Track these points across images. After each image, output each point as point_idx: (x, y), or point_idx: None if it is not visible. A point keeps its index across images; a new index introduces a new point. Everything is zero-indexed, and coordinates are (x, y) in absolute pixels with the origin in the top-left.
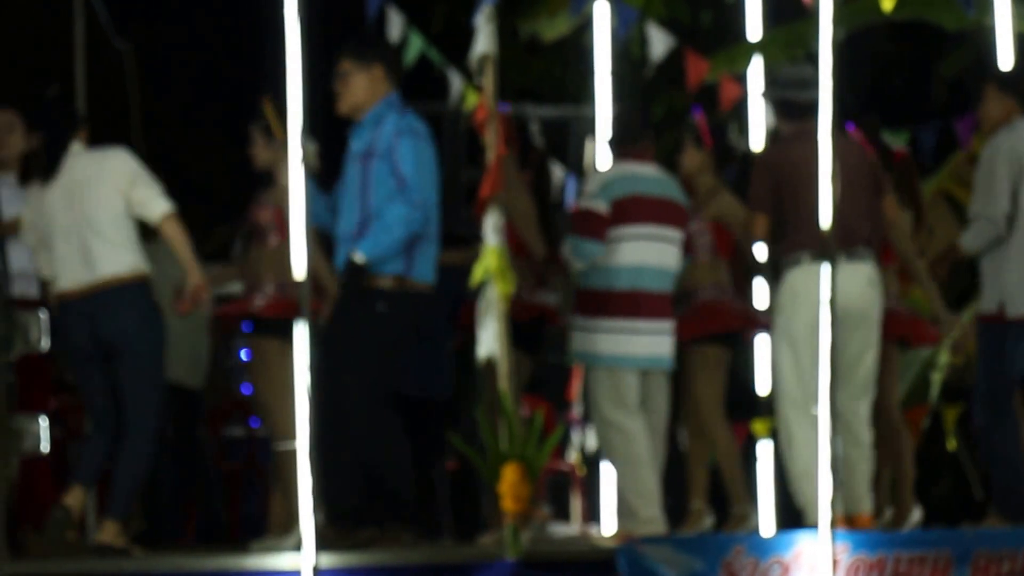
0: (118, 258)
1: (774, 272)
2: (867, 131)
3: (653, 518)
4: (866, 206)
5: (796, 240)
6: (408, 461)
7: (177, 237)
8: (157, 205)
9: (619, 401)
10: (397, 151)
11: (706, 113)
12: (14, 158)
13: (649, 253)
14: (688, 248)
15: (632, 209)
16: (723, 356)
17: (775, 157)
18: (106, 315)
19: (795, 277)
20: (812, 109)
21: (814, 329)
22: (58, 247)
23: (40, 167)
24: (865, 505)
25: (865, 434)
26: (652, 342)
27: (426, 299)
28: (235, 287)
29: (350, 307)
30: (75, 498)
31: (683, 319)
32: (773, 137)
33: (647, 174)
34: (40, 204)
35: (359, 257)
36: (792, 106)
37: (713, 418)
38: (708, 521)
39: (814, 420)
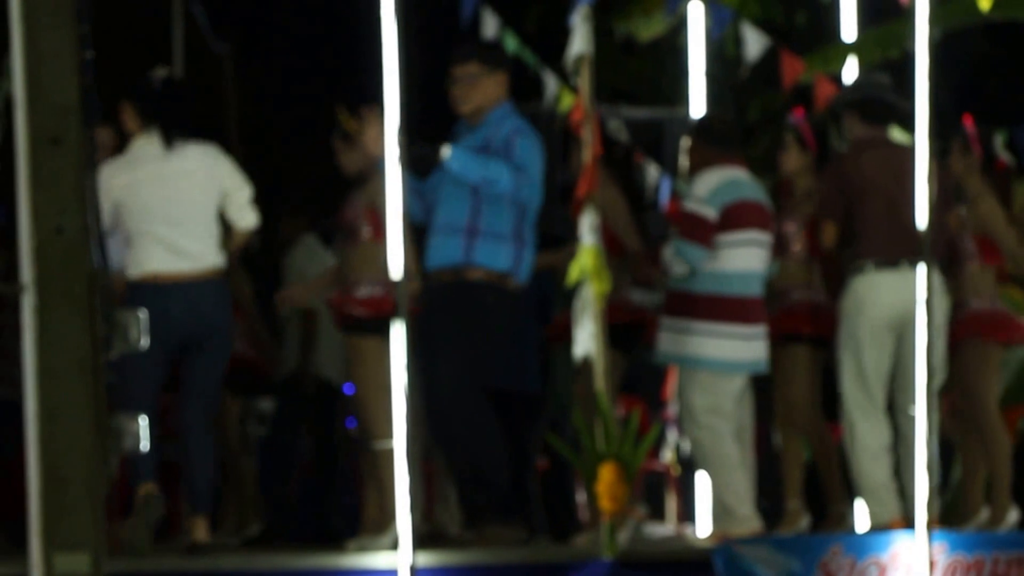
0: (210, 252)
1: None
2: (981, 135)
3: (749, 516)
4: (931, 216)
5: (861, 248)
6: (505, 458)
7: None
8: (249, 216)
9: (717, 405)
10: (514, 147)
11: (807, 115)
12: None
13: (753, 259)
14: (783, 248)
15: (740, 215)
16: (818, 356)
17: (845, 164)
18: (197, 306)
19: (859, 284)
20: (888, 115)
21: (876, 336)
22: (145, 233)
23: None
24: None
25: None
26: (754, 347)
27: (522, 299)
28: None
29: (451, 301)
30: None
31: (777, 318)
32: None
33: (746, 179)
34: (125, 186)
35: (446, 152)
36: (869, 111)
37: (810, 418)
38: (804, 521)
39: (877, 425)
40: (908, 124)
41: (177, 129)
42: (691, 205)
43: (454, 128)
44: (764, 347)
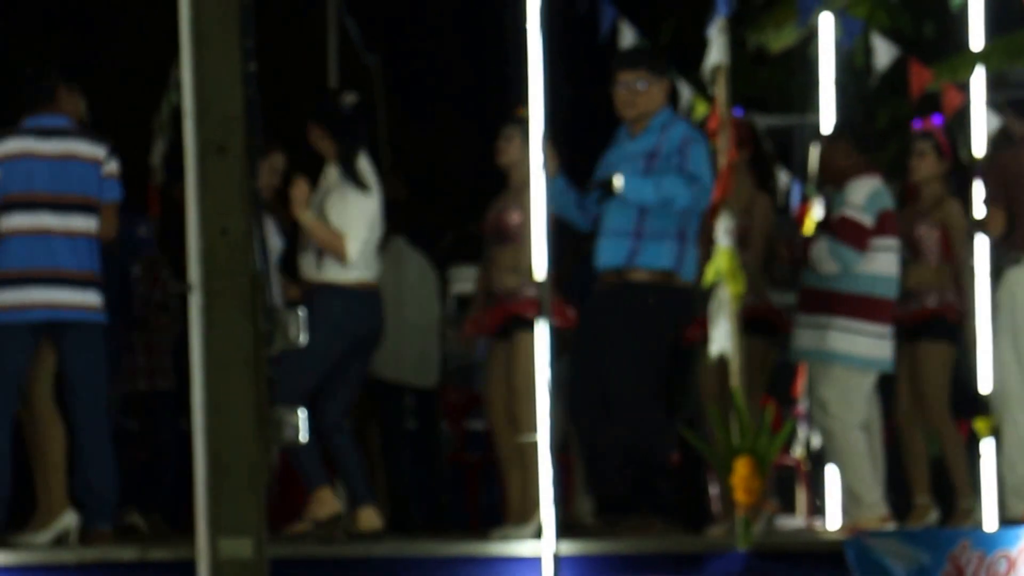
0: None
1: (996, 271)
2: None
3: (877, 503)
4: None
5: (1018, 239)
6: (669, 455)
7: None
8: (349, 246)
9: (848, 400)
10: (688, 155)
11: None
12: (271, 193)
13: (893, 264)
14: (917, 251)
15: (888, 222)
16: (951, 353)
17: (1008, 156)
18: (375, 311)
19: (1015, 275)
20: None
21: None
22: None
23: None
24: None
25: None
26: (885, 346)
27: (689, 296)
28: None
29: (616, 304)
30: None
31: (911, 317)
32: (1004, 137)
33: (886, 188)
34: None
35: (618, 181)
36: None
37: (941, 414)
38: (933, 515)
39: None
40: None
41: (354, 157)
42: (849, 211)
43: (614, 135)
44: (892, 347)
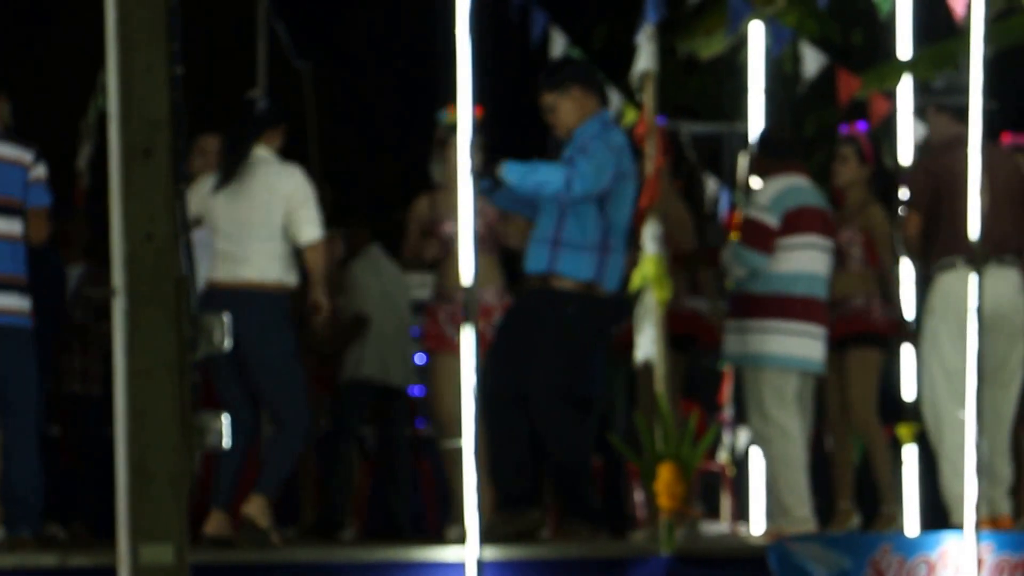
0: (265, 266)
1: (924, 276)
2: None
3: (806, 518)
4: (1017, 215)
5: (951, 244)
6: (590, 459)
7: (315, 265)
8: (309, 231)
9: (784, 402)
10: (586, 150)
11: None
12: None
13: (816, 262)
14: (842, 257)
15: (802, 220)
16: (878, 360)
17: (937, 160)
18: (240, 316)
19: (948, 281)
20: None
21: (964, 333)
22: (217, 243)
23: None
24: (1005, 506)
25: (1004, 437)
26: (817, 346)
27: (611, 306)
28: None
29: (535, 308)
30: (219, 522)
31: (835, 324)
32: (925, 145)
33: (808, 186)
34: (208, 197)
35: (501, 172)
36: (959, 110)
37: (868, 420)
38: (855, 521)
39: (961, 423)
40: (992, 125)
41: (242, 152)
42: (753, 212)
43: (544, 142)
44: (824, 348)
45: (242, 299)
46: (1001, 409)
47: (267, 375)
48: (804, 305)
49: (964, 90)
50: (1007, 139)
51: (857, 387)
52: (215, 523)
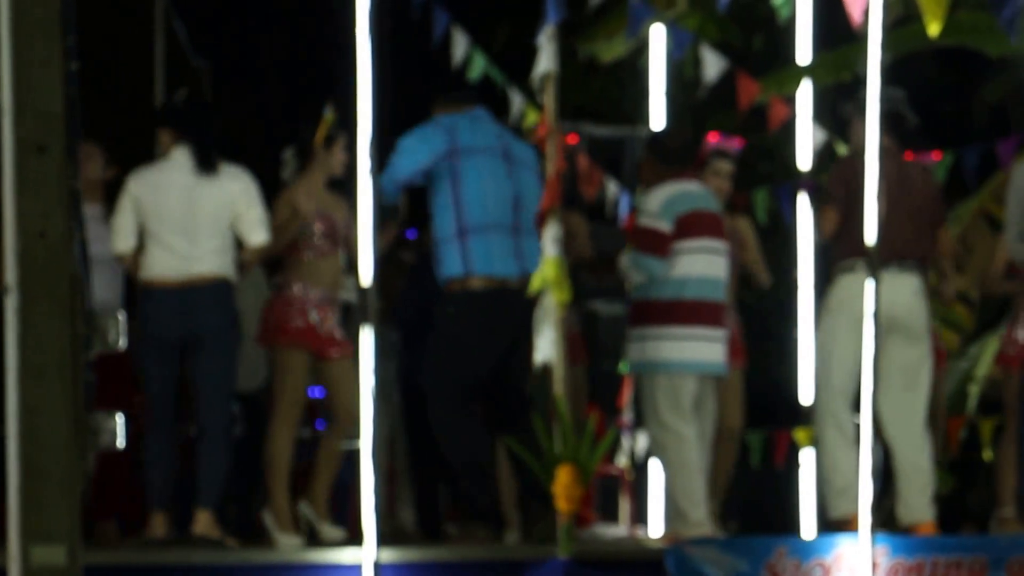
0: (214, 260)
1: (824, 277)
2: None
3: (702, 521)
4: (923, 224)
5: (854, 247)
6: (486, 459)
7: (252, 266)
8: (259, 233)
9: (677, 406)
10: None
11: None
12: (96, 189)
13: (710, 265)
14: None
15: (694, 224)
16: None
17: (854, 164)
18: (198, 309)
19: (846, 282)
20: (898, 126)
21: (857, 334)
22: (164, 238)
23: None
24: (926, 514)
25: (921, 442)
26: (712, 349)
27: (492, 294)
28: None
29: (429, 311)
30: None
31: None
32: (825, 154)
33: (699, 191)
34: (158, 193)
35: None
36: (883, 121)
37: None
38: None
39: (849, 424)
40: (913, 136)
41: (207, 148)
42: (644, 220)
43: None
44: (723, 351)
45: (195, 295)
46: (913, 413)
47: (210, 373)
48: (695, 309)
49: (889, 99)
50: (910, 158)
51: (726, 396)
52: (204, 523)
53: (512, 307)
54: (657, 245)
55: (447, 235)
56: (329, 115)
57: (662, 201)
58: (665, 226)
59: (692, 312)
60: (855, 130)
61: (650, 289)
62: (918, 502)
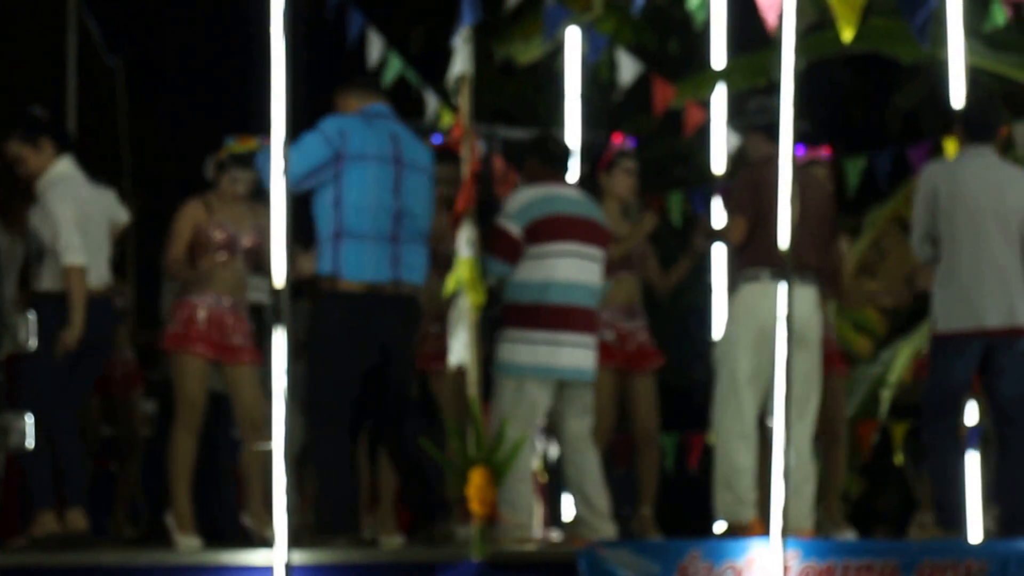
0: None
1: (731, 284)
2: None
3: (523, 524)
4: (820, 235)
5: (758, 256)
6: (345, 465)
7: (75, 289)
8: (68, 255)
9: (519, 410)
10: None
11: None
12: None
13: (578, 270)
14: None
15: (557, 228)
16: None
17: (759, 172)
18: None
19: (751, 291)
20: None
21: (761, 343)
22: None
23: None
24: (807, 522)
25: (807, 452)
26: (576, 354)
27: (360, 297)
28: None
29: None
30: (50, 522)
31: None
32: (741, 157)
33: (568, 195)
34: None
35: None
36: (770, 129)
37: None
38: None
39: (746, 431)
40: (805, 143)
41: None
42: (499, 220)
43: None
44: (591, 356)
45: (95, 306)
46: (803, 424)
47: (87, 381)
48: (558, 313)
49: (775, 111)
50: (800, 152)
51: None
52: (73, 520)
53: (383, 312)
54: (501, 247)
55: (324, 236)
56: (228, 146)
57: (520, 204)
58: (515, 229)
59: (555, 317)
60: (750, 143)
61: (513, 292)
62: (800, 510)
